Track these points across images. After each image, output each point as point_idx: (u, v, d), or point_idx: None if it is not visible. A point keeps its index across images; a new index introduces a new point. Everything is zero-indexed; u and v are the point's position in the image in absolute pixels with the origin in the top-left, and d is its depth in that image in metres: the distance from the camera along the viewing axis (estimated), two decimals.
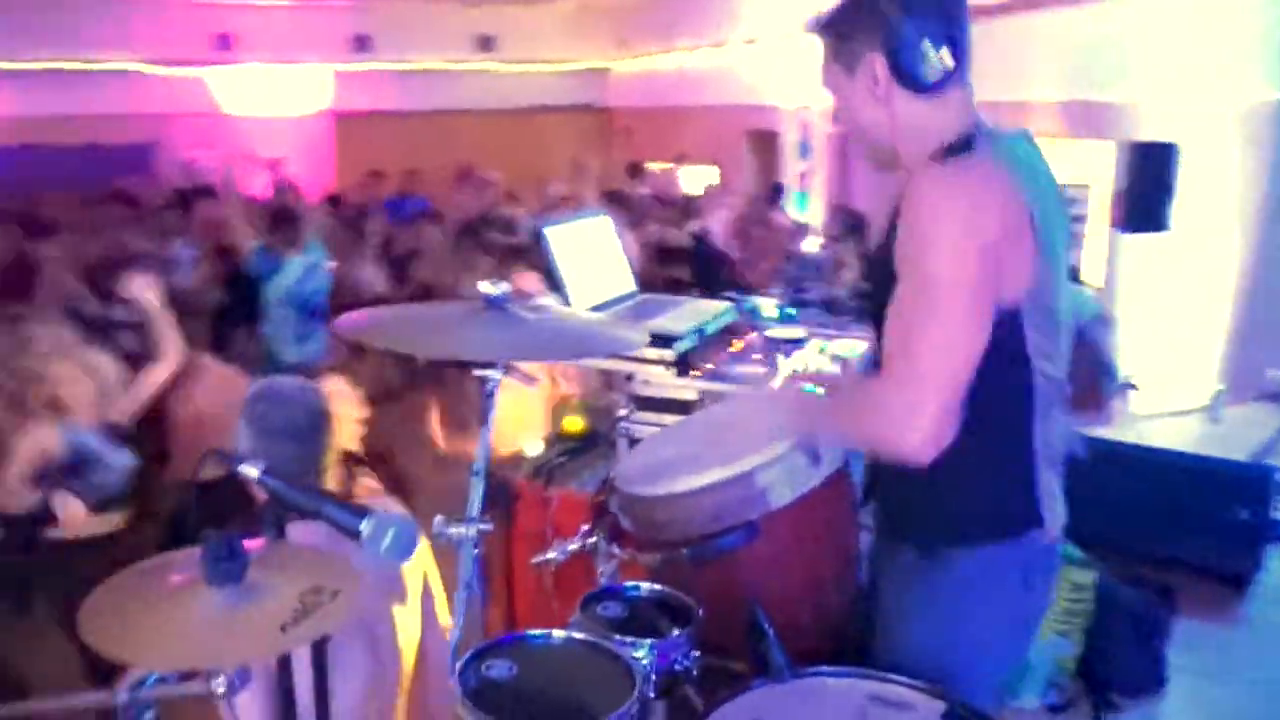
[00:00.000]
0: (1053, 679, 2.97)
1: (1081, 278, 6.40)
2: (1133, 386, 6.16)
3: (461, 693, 1.26)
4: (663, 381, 2.21)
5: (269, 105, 13.49)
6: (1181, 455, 4.03)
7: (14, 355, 3.06)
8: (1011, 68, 7.21)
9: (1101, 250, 7.00)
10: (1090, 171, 6.99)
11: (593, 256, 2.53)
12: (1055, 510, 1.64)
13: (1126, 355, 6.13)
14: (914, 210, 1.50)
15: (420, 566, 2.22)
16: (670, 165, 11.61)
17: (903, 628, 1.66)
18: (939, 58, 1.54)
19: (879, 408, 1.50)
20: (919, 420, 1.43)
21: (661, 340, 2.21)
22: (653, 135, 13.73)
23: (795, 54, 9.08)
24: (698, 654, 1.54)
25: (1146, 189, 5.77)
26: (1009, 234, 1.47)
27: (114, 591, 1.02)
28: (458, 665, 1.32)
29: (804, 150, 10.25)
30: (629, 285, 2.64)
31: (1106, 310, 6.44)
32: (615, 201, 7.34)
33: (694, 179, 11.25)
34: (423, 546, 2.20)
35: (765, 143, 11.11)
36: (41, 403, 3.03)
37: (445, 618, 2.23)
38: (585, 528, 1.78)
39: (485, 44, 14.43)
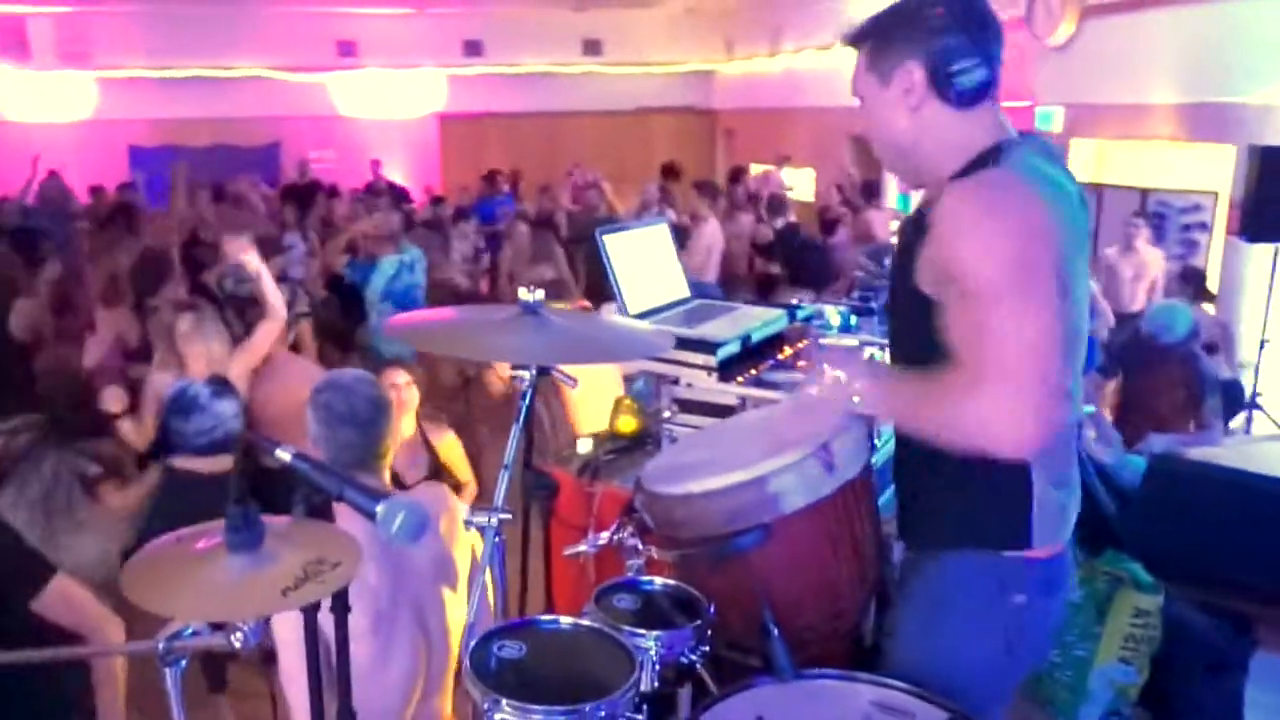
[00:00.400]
0: (1114, 707, 2.90)
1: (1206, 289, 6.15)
2: (1256, 406, 5.86)
3: (470, 667, 1.36)
4: (704, 386, 2.29)
5: (382, 108, 14.02)
6: (1265, 479, 3.87)
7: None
8: (1126, 69, 6.99)
9: (1221, 259, 6.71)
10: (1212, 177, 6.72)
11: (648, 263, 2.62)
12: (1054, 528, 1.64)
13: (1252, 372, 5.86)
14: (957, 226, 1.51)
15: (469, 542, 2.36)
16: (772, 167, 11.61)
17: (900, 627, 1.71)
18: (976, 72, 1.57)
19: (969, 404, 1.47)
20: (1016, 416, 1.42)
21: (705, 346, 2.28)
22: (756, 137, 13.75)
23: None
24: (707, 649, 1.61)
25: (1272, 195, 5.42)
26: (1049, 243, 1.49)
27: (150, 554, 1.19)
28: (471, 643, 1.43)
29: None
30: (683, 291, 2.72)
31: (1222, 325, 6.16)
32: (706, 192, 7.47)
33: (796, 181, 11.26)
34: (474, 535, 2.34)
35: (869, 146, 10.99)
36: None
37: (492, 602, 2.36)
38: (616, 523, 1.87)
39: (592, 48, 14.70)
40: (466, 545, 2.40)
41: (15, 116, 12.75)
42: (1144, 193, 7.22)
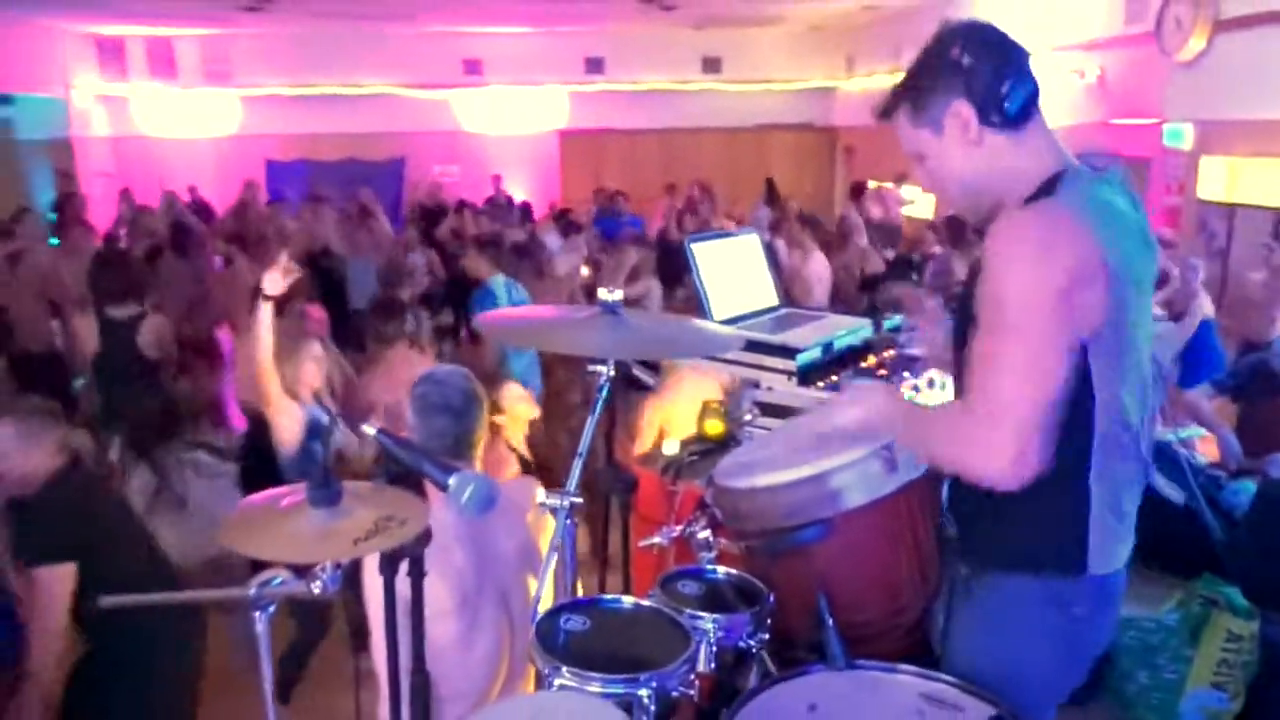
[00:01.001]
0: None
1: None
2: None
3: (535, 636, 1.47)
4: (784, 390, 2.35)
5: (505, 124, 14.42)
6: None
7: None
8: (1260, 84, 6.71)
9: None
10: None
11: (737, 272, 2.70)
12: (1109, 555, 1.65)
13: None
14: (989, 256, 1.56)
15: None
16: (890, 185, 11.50)
17: (954, 642, 1.73)
18: (1018, 90, 1.61)
19: (963, 437, 1.54)
20: (1002, 451, 1.48)
21: (785, 351, 2.34)
22: (875, 154, 13.61)
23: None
24: (765, 636, 1.68)
25: None
26: (1080, 277, 1.50)
27: (246, 508, 1.34)
28: (539, 615, 1.53)
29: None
30: (772, 300, 2.78)
31: None
32: (809, 225, 7.47)
33: (916, 198, 11.12)
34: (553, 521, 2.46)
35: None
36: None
37: (578, 588, 2.46)
38: (690, 517, 1.95)
39: (712, 65, 14.82)
40: (549, 539, 2.52)
41: (163, 133, 13.66)
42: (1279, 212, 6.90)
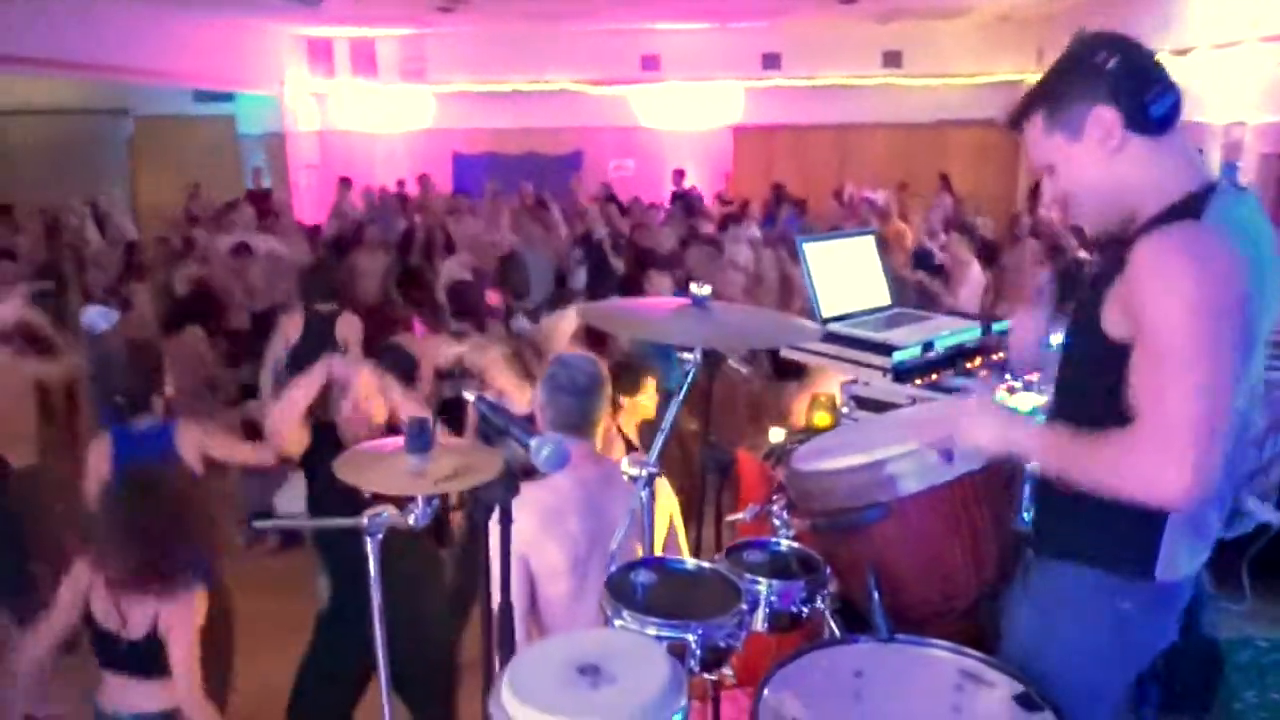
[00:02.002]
0: None
1: None
2: None
3: (607, 583, 1.69)
4: (880, 385, 2.47)
5: (680, 119, 14.68)
6: None
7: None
8: None
9: None
10: None
11: (848, 271, 2.82)
12: (1178, 564, 1.68)
13: None
14: (1145, 279, 1.54)
15: (667, 510, 2.68)
16: None
17: (1017, 621, 1.82)
18: (1166, 95, 1.61)
19: (1129, 456, 1.53)
20: (1176, 471, 1.47)
21: (882, 349, 2.47)
22: None
23: (1231, 65, 8.28)
24: (820, 605, 1.83)
25: None
26: (1238, 297, 1.51)
27: (360, 450, 1.68)
28: (612, 569, 1.75)
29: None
30: (883, 299, 2.89)
31: None
32: (966, 235, 7.39)
33: None
34: (668, 495, 2.67)
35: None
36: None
37: (686, 553, 2.66)
38: (768, 496, 2.13)
39: (893, 59, 14.57)
40: (665, 512, 2.73)
41: (363, 128, 14.71)
42: None
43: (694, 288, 1.99)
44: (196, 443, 3.53)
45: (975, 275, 6.96)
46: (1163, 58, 1.67)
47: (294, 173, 13.84)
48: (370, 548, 1.70)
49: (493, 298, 6.66)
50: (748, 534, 2.26)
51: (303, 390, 3.08)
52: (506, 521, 1.59)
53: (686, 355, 1.97)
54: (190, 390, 5.35)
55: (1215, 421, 1.48)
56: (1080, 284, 1.82)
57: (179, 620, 2.67)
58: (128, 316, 6.29)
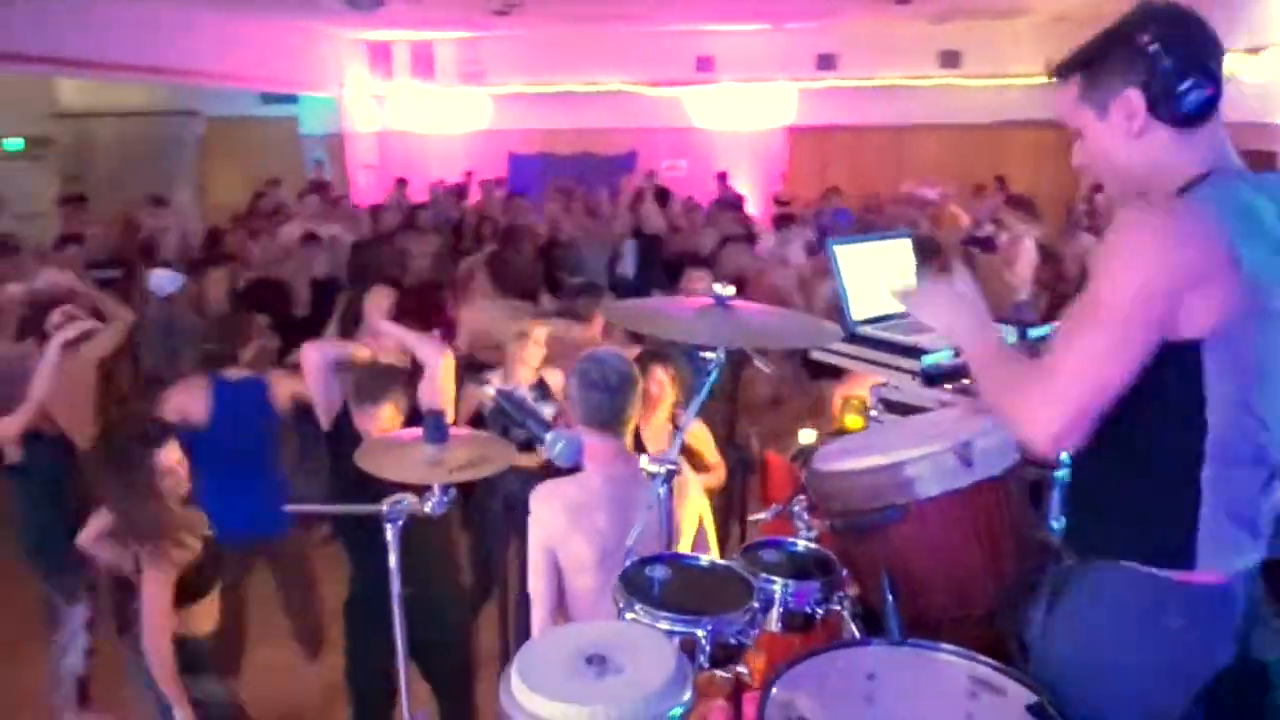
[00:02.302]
0: None
1: None
2: None
3: (621, 577, 1.72)
4: (909, 389, 2.47)
5: (734, 120, 14.66)
6: None
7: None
8: None
9: None
10: None
11: (881, 274, 2.82)
12: (1222, 555, 1.62)
13: None
14: (1105, 240, 1.61)
15: (696, 509, 2.70)
16: None
17: (1051, 630, 1.75)
18: (1197, 91, 1.59)
19: (1020, 393, 1.60)
20: (1044, 417, 1.54)
21: (911, 352, 2.46)
22: None
23: None
24: (835, 607, 1.85)
25: None
26: (1195, 275, 1.50)
27: (379, 439, 1.74)
28: (627, 563, 1.78)
29: None
30: None
31: None
32: (1023, 209, 7.23)
33: None
34: (698, 494, 2.70)
35: (1261, 164, 9.88)
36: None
37: (715, 553, 2.69)
38: (790, 496, 2.15)
39: (950, 59, 14.38)
40: (694, 510, 2.75)
41: (420, 129, 14.93)
42: None
43: (717, 287, 2.02)
44: (289, 391, 3.78)
45: (1030, 250, 6.82)
46: (1236, 56, 1.63)
47: (353, 172, 14.10)
48: (390, 534, 1.76)
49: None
50: (770, 534, 2.28)
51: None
52: (523, 513, 1.64)
53: (709, 354, 1.99)
54: None
55: (1100, 386, 1.53)
56: None
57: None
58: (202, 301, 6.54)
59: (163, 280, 5.54)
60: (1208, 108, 1.60)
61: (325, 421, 3.43)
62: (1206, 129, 1.62)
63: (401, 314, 4.63)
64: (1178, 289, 1.51)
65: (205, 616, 3.08)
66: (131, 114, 14.08)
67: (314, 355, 3.45)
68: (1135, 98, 1.60)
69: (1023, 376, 1.62)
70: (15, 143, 13.71)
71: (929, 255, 8.29)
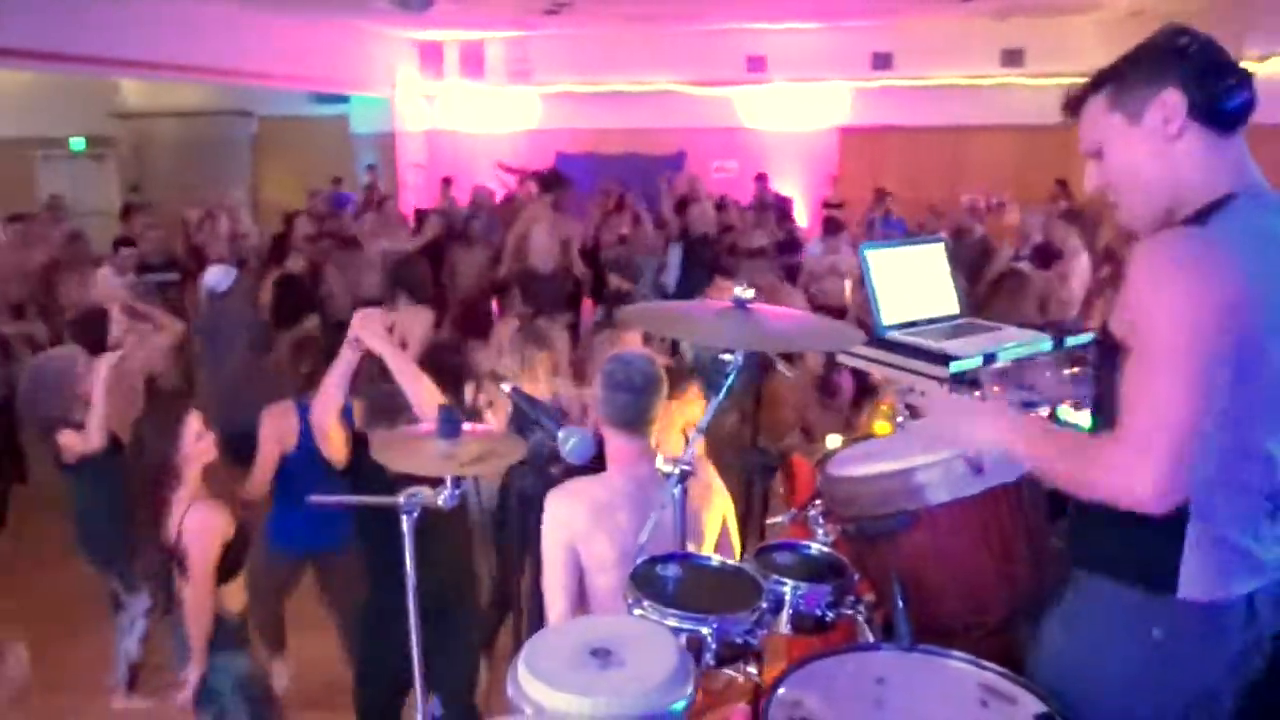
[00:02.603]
0: None
1: None
2: None
3: (632, 574, 1.75)
4: (935, 394, 2.45)
5: (785, 121, 14.58)
6: None
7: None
8: None
9: None
10: None
11: (914, 279, 2.80)
12: (1210, 581, 1.62)
13: None
14: (1135, 281, 1.57)
15: (720, 512, 2.72)
16: None
17: (1045, 636, 1.79)
18: (1239, 91, 1.58)
19: (1101, 458, 1.55)
20: (1144, 477, 1.48)
21: (939, 358, 2.45)
22: None
23: None
24: (846, 610, 1.85)
25: None
26: (1227, 305, 1.50)
27: (393, 433, 1.79)
28: (638, 561, 1.81)
29: None
30: (951, 309, 2.86)
31: None
32: (1074, 222, 7.14)
33: None
34: (722, 498, 2.72)
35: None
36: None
37: (738, 556, 2.70)
38: (806, 501, 2.15)
39: (1013, 58, 14.10)
40: (718, 512, 2.77)
41: (469, 128, 15.10)
42: None
43: (737, 290, 2.03)
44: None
45: (1082, 268, 6.72)
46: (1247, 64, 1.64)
47: (402, 171, 14.32)
48: (405, 526, 1.81)
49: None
50: (788, 538, 2.29)
51: (334, 381, 3.10)
52: (537, 511, 1.68)
53: (727, 357, 2.01)
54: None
55: (1186, 428, 1.48)
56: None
57: None
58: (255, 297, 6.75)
59: (218, 277, 5.71)
60: (1246, 110, 1.59)
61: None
62: (1236, 141, 1.62)
63: (452, 327, 4.72)
64: (1224, 314, 1.49)
65: (236, 595, 3.24)
66: (188, 114, 14.53)
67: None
68: (1174, 97, 1.59)
69: (1096, 444, 1.58)
70: (78, 142, 14.16)
71: (979, 265, 8.25)
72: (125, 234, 8.49)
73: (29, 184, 13.14)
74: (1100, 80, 1.70)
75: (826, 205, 12.06)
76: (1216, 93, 1.57)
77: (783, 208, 11.22)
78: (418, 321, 5.07)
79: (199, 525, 3.10)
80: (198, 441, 3.20)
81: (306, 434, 3.84)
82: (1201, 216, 1.59)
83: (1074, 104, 1.75)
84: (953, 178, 13.05)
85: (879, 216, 10.63)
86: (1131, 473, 1.49)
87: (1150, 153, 1.64)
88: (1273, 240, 1.57)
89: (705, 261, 7.88)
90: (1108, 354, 1.66)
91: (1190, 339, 1.48)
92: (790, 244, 8.95)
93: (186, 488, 3.16)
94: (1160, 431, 1.48)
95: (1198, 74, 1.58)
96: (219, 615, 3.15)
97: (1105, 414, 1.68)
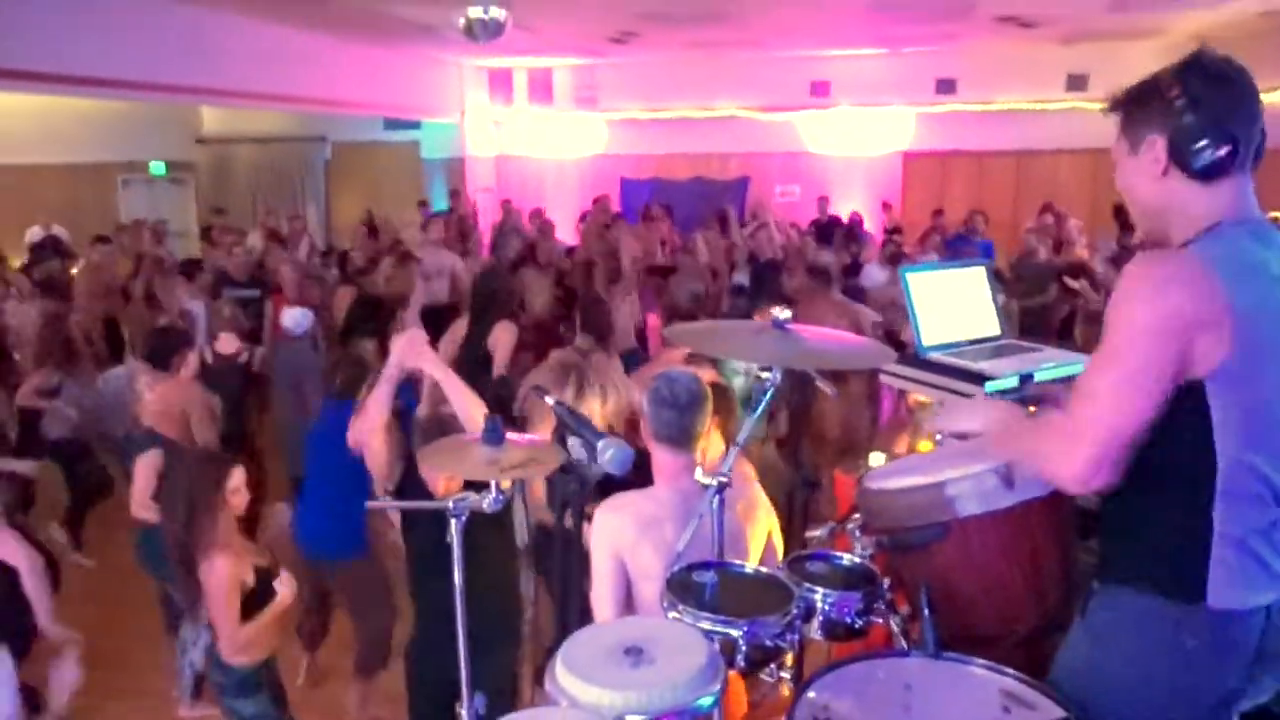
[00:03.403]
0: None
1: None
2: None
3: (668, 579, 1.83)
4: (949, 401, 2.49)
5: (848, 145, 14.59)
6: None
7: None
8: None
9: None
10: None
11: (955, 301, 2.85)
12: (1237, 590, 1.68)
13: None
14: (1116, 291, 1.70)
15: (766, 526, 2.79)
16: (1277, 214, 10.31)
17: (1071, 646, 1.83)
18: (1214, 150, 1.69)
19: (1046, 438, 1.75)
20: (1072, 459, 1.65)
21: (975, 378, 2.50)
22: (1270, 180, 12.12)
23: None
24: (877, 619, 1.91)
25: None
26: (1196, 321, 1.60)
27: (444, 441, 1.91)
28: (675, 567, 1.89)
29: None
30: (993, 330, 2.90)
31: None
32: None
33: None
34: (767, 513, 2.78)
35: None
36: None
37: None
38: (845, 515, 2.22)
39: (1078, 82, 13.96)
40: (763, 528, 2.84)
41: (536, 153, 15.39)
42: None
43: (775, 310, 2.11)
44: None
45: None
46: None
47: (470, 195, 14.67)
48: (454, 528, 1.92)
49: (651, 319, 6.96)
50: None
51: (377, 398, 3.23)
52: (578, 517, 1.77)
53: (765, 374, 2.09)
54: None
55: (1117, 424, 1.63)
56: None
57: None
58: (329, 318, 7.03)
59: (296, 318, 5.96)
60: (1218, 167, 1.69)
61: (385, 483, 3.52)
62: (1229, 181, 1.71)
63: (524, 349, 4.90)
64: (1179, 330, 1.60)
65: (254, 645, 3.39)
66: (265, 139, 15.08)
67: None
68: (1160, 145, 1.72)
69: (1045, 425, 1.76)
70: (158, 166, 14.78)
71: (1040, 284, 8.15)
72: (199, 255, 8.85)
73: (110, 207, 13.78)
74: (1118, 103, 1.82)
75: (888, 233, 12.03)
76: (1191, 150, 1.69)
77: (852, 228, 11.18)
78: (506, 332, 5.26)
79: (216, 575, 3.24)
80: (233, 495, 3.35)
81: (325, 443, 4.09)
82: (1191, 241, 1.70)
83: (1112, 107, 1.85)
84: (1016, 202, 12.93)
85: (960, 238, 10.52)
86: (1064, 455, 1.67)
87: (1144, 181, 1.78)
88: (1251, 260, 1.66)
89: (771, 285, 7.92)
90: None
91: (1142, 349, 1.62)
92: (855, 267, 8.95)
93: (213, 535, 3.30)
94: (1094, 423, 1.64)
95: (1180, 130, 1.69)
96: (230, 666, 3.31)
97: None
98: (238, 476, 3.35)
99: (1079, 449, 1.64)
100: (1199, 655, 1.70)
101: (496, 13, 7.14)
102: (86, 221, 11.64)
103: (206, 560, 3.23)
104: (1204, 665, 1.71)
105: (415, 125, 14.51)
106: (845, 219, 12.42)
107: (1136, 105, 1.77)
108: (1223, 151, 1.68)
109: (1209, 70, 1.72)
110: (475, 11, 7.12)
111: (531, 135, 15.30)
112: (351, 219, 13.42)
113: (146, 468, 4.24)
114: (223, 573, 3.22)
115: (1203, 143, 1.68)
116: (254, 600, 3.31)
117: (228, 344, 5.78)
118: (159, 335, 5.27)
